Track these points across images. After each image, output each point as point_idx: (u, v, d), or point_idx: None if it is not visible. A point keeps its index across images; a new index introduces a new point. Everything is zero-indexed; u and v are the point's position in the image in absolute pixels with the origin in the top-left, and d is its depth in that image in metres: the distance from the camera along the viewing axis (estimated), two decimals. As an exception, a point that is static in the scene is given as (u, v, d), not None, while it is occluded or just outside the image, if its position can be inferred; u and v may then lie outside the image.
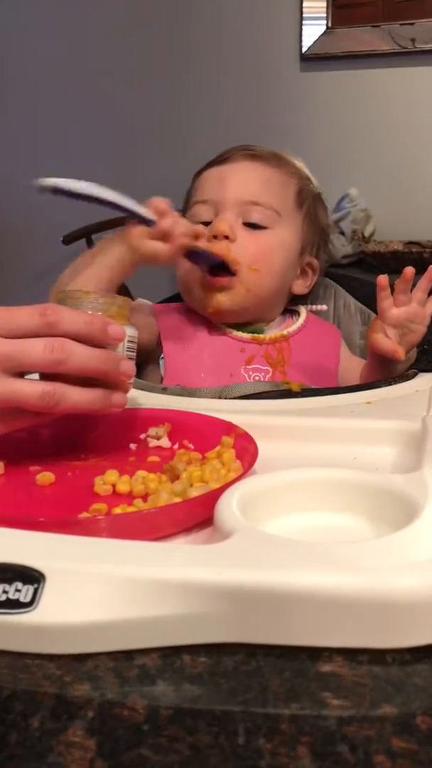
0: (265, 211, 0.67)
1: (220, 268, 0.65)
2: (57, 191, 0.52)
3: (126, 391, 0.43)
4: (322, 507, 0.34)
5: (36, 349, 0.38)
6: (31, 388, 0.38)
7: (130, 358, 0.43)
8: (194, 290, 0.68)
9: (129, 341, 0.43)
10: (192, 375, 0.65)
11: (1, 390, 0.38)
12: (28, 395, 0.38)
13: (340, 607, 0.25)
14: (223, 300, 0.66)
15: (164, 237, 0.59)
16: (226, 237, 0.64)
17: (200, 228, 0.62)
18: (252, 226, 0.66)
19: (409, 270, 0.59)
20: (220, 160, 0.71)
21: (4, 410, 0.39)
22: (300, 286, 0.73)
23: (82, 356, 0.39)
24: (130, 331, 0.44)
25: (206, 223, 0.67)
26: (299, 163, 0.74)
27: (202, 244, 0.63)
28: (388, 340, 0.60)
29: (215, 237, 0.65)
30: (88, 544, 0.29)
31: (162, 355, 0.68)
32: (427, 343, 0.64)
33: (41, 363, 0.38)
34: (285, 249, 0.69)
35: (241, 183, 0.68)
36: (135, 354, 0.45)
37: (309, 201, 0.72)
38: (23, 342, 0.38)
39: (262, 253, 0.66)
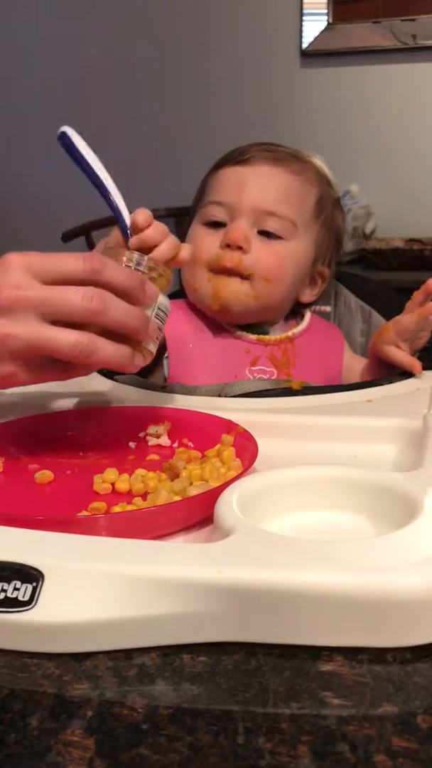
0: (282, 222, 0.65)
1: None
2: (67, 146, 0.49)
3: (147, 357, 0.42)
4: (322, 505, 0.34)
5: (74, 297, 0.37)
6: (64, 336, 0.37)
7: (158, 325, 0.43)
8: (200, 291, 0.67)
9: (159, 309, 0.43)
10: (196, 375, 0.65)
11: (33, 336, 0.37)
12: (61, 344, 0.37)
13: (341, 606, 0.25)
14: (230, 301, 0.65)
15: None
16: (240, 247, 0.63)
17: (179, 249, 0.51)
18: (267, 235, 0.65)
19: (431, 282, 0.59)
20: (241, 159, 0.68)
21: (33, 359, 0.39)
22: (308, 295, 0.72)
23: (119, 310, 0.38)
24: (163, 300, 0.43)
25: (219, 224, 0.66)
26: (320, 164, 0.72)
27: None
28: (403, 354, 0.60)
29: (228, 246, 0.63)
30: (87, 542, 0.29)
31: (166, 355, 0.68)
32: (427, 342, 0.64)
33: (78, 311, 0.37)
34: (298, 261, 0.67)
35: (261, 190, 0.65)
36: (163, 325, 0.44)
37: (327, 209, 0.70)
38: (62, 288, 0.37)
39: (276, 265, 0.65)
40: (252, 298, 0.65)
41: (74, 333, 0.38)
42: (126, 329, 0.39)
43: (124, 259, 0.44)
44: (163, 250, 0.49)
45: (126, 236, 0.49)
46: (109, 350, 0.39)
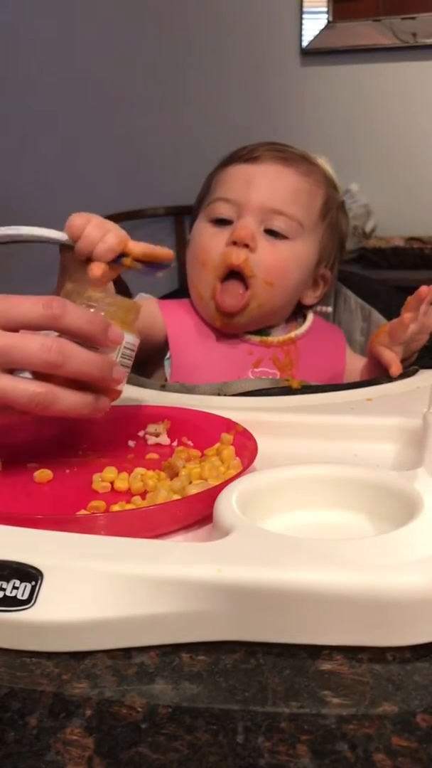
0: (289, 221, 0.65)
1: (234, 276, 0.64)
2: None
3: (113, 397, 0.41)
4: (322, 504, 0.34)
5: (32, 347, 0.36)
6: (21, 387, 0.36)
7: (123, 366, 0.41)
8: (205, 300, 0.66)
9: (126, 348, 0.42)
10: (198, 377, 0.64)
11: None
12: (18, 396, 0.36)
13: (340, 605, 0.25)
14: (234, 318, 0.65)
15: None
16: (247, 245, 0.63)
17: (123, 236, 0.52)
18: (273, 234, 0.65)
19: (425, 289, 0.58)
20: (249, 157, 0.68)
21: None
22: (310, 297, 0.72)
23: (79, 361, 0.37)
24: (129, 338, 0.42)
25: (225, 222, 0.66)
26: (326, 167, 0.72)
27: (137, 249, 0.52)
28: (389, 354, 0.59)
29: (235, 243, 0.63)
30: (86, 541, 0.29)
31: (168, 356, 0.68)
32: (428, 341, 0.64)
33: (36, 362, 0.36)
34: (302, 263, 0.67)
35: (269, 189, 0.65)
36: (131, 362, 0.43)
37: (333, 211, 0.71)
38: (20, 338, 0.36)
39: (280, 266, 0.64)
40: (256, 306, 0.65)
41: (32, 384, 0.36)
42: (88, 378, 0.38)
43: (86, 299, 0.42)
44: (109, 243, 0.49)
45: (70, 249, 0.51)
46: (70, 400, 0.37)
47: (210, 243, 0.65)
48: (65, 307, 0.37)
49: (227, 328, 0.67)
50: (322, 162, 0.72)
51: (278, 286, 0.65)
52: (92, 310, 0.41)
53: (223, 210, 0.66)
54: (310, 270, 0.69)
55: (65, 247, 0.53)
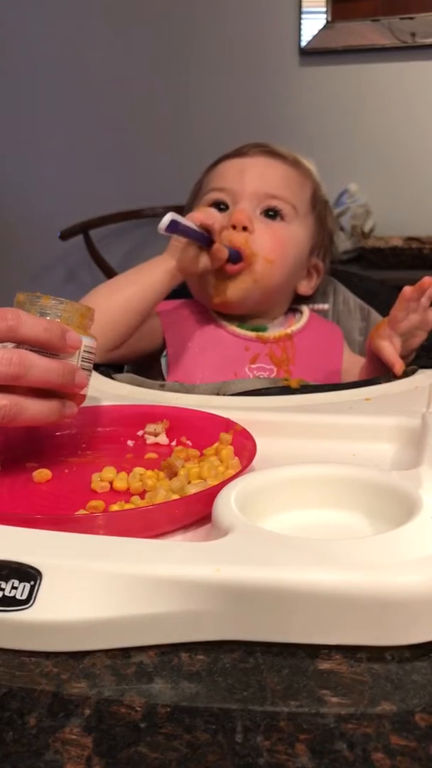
0: (284, 204, 0.68)
1: (235, 258, 0.65)
2: (171, 226, 0.57)
3: (78, 402, 0.41)
4: (321, 504, 0.34)
5: None
6: None
7: (85, 369, 0.41)
8: (205, 277, 0.67)
9: (85, 351, 0.41)
10: (195, 374, 0.65)
11: None
12: None
13: (339, 605, 0.25)
14: (231, 290, 0.66)
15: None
16: (245, 228, 0.65)
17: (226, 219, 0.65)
18: (270, 216, 0.68)
19: (428, 279, 0.59)
20: (238, 153, 0.72)
21: None
22: (305, 287, 0.74)
23: (41, 369, 0.37)
24: (88, 341, 0.41)
25: (222, 208, 0.68)
26: (313, 168, 0.75)
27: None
28: (391, 351, 0.59)
29: (234, 227, 0.65)
30: (85, 541, 0.29)
31: (164, 354, 0.68)
32: (426, 340, 0.64)
33: None
34: (298, 245, 0.70)
35: (261, 177, 0.69)
36: (91, 365, 0.42)
37: (320, 205, 0.74)
38: None
39: (278, 244, 0.67)
40: (251, 282, 0.66)
41: None
42: (51, 386, 0.38)
43: (39, 308, 0.41)
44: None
45: (212, 240, 0.61)
46: (36, 409, 0.37)
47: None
48: (20, 317, 0.37)
49: (223, 307, 0.67)
50: (308, 163, 0.75)
51: (277, 264, 0.67)
52: (47, 317, 0.40)
53: (219, 196, 0.69)
54: (305, 256, 0.72)
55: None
